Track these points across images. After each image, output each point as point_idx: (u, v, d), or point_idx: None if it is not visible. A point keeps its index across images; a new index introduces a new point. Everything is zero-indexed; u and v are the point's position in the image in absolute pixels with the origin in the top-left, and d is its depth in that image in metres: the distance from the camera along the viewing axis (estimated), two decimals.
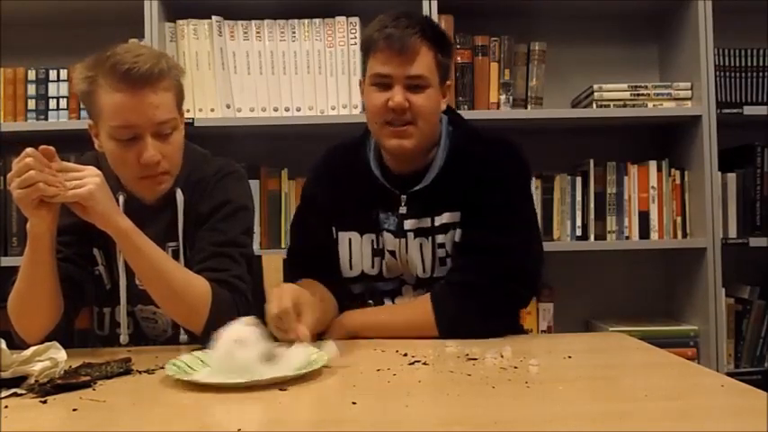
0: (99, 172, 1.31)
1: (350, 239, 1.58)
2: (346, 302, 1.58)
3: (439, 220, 1.52)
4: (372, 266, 1.58)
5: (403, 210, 1.53)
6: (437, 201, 1.52)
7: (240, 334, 1.10)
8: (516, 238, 1.48)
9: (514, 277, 1.46)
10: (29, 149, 1.25)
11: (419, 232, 1.53)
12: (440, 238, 1.52)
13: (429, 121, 1.49)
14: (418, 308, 1.47)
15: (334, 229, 1.60)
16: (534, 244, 1.53)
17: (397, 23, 1.45)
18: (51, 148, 1.26)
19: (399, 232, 1.54)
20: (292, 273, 1.64)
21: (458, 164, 1.52)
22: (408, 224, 1.53)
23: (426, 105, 1.47)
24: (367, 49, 1.51)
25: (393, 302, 1.58)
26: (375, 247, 1.57)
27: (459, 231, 1.51)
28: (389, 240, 1.55)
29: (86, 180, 1.28)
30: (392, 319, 1.49)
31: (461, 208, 1.51)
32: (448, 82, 1.54)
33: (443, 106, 1.55)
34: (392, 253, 1.56)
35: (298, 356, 1.14)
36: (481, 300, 1.42)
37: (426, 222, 1.53)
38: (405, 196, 1.53)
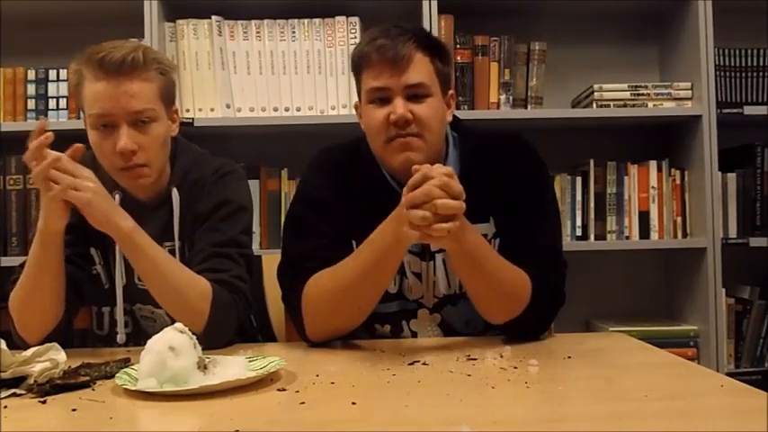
0: (93, 177, 1.31)
1: None
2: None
3: None
4: (393, 284, 1.45)
5: None
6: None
7: (174, 341, 1.06)
8: (559, 232, 1.49)
9: (564, 276, 1.45)
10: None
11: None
12: None
13: (435, 133, 1.39)
14: (520, 278, 1.35)
15: (354, 243, 1.42)
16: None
17: (387, 33, 1.37)
18: (80, 145, 1.29)
19: (426, 254, 1.44)
20: (300, 276, 1.39)
21: (476, 170, 1.43)
22: (435, 245, 1.42)
23: (430, 116, 1.37)
24: (359, 67, 1.41)
25: (408, 325, 1.49)
26: None
27: (496, 242, 1.43)
28: (414, 262, 1.44)
29: (84, 185, 1.28)
30: (502, 266, 1.34)
31: (494, 214, 1.44)
32: (451, 91, 1.46)
33: (449, 117, 1.46)
34: (417, 275, 1.46)
35: (233, 365, 1.10)
36: (559, 304, 1.42)
37: None
38: None
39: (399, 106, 1.35)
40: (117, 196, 1.47)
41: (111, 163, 1.42)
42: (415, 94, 1.37)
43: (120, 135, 1.38)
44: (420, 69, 1.37)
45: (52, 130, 1.88)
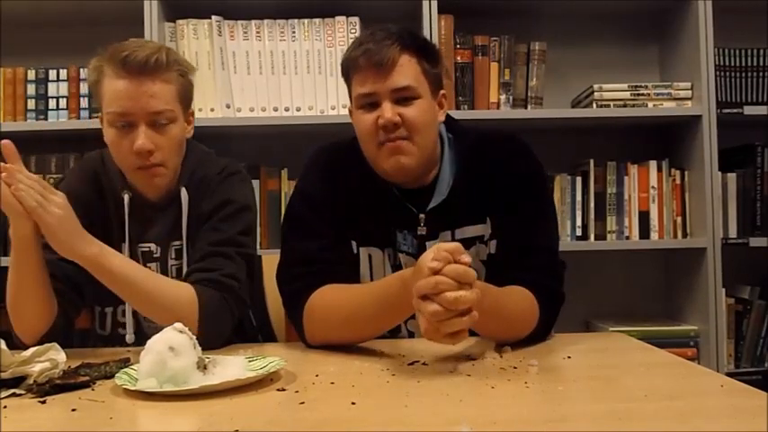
0: (63, 201, 1.29)
1: (370, 255, 1.44)
2: None
3: (460, 234, 1.42)
4: None
5: (422, 230, 1.41)
6: (457, 213, 1.42)
7: (174, 341, 1.06)
8: (556, 233, 1.48)
9: (562, 277, 1.44)
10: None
11: None
12: None
13: (426, 135, 1.38)
14: (527, 306, 1.32)
15: (354, 243, 1.44)
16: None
17: (372, 37, 1.36)
18: (10, 143, 1.27)
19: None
20: (300, 280, 1.38)
21: (472, 171, 1.42)
22: (430, 245, 1.36)
23: (420, 118, 1.36)
24: (347, 72, 1.41)
25: (405, 325, 1.46)
26: (393, 263, 1.44)
27: (493, 243, 1.41)
28: (410, 264, 1.40)
29: (50, 209, 1.26)
30: (507, 301, 1.29)
31: (491, 215, 1.42)
32: (442, 91, 1.44)
33: (441, 117, 1.45)
34: None
35: (233, 365, 1.10)
36: (559, 306, 1.40)
37: (447, 236, 1.42)
38: (423, 215, 1.41)
39: (387, 110, 1.34)
40: (126, 196, 1.47)
41: (128, 162, 1.42)
42: (403, 96, 1.36)
43: (139, 134, 1.38)
44: (406, 72, 1.35)
45: (52, 131, 1.88)
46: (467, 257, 1.10)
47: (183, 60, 1.49)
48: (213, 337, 1.36)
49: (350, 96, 1.44)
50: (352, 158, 1.45)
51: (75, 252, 1.30)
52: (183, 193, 1.49)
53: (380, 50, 1.34)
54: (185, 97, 1.47)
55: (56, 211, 1.26)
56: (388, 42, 1.35)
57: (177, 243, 1.50)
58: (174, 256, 1.49)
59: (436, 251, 1.11)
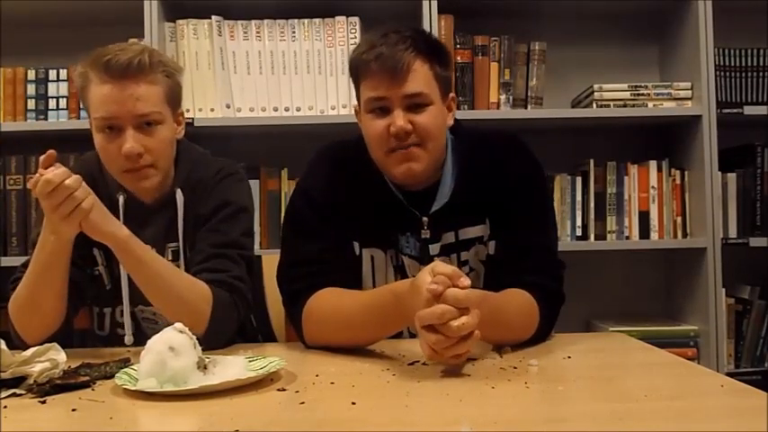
0: (85, 186, 1.27)
1: (372, 257, 1.44)
2: None
3: (462, 235, 1.43)
4: None
5: (426, 234, 1.41)
6: (459, 214, 1.41)
7: (174, 341, 1.06)
8: (555, 233, 1.49)
9: (562, 277, 1.43)
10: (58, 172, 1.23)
11: (443, 250, 1.43)
12: (463, 255, 1.43)
13: (437, 140, 1.37)
14: (527, 311, 1.32)
15: (357, 245, 1.43)
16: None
17: (385, 40, 1.33)
18: (53, 152, 1.27)
19: (425, 258, 1.40)
20: (301, 281, 1.38)
21: (472, 172, 1.42)
22: (433, 248, 1.42)
23: (431, 124, 1.34)
24: (357, 74, 1.39)
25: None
26: (395, 264, 1.44)
27: (492, 244, 1.42)
28: (413, 266, 1.42)
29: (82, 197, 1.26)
30: (507, 308, 1.29)
31: (490, 217, 1.42)
32: (451, 94, 1.43)
33: (450, 121, 1.43)
34: None
35: (233, 365, 1.10)
36: (559, 307, 1.40)
37: (450, 238, 1.43)
38: (426, 218, 1.41)
39: (399, 118, 1.32)
40: (120, 198, 1.47)
41: (117, 165, 1.42)
42: (415, 103, 1.34)
43: (126, 138, 1.38)
44: (419, 78, 1.33)
45: (52, 131, 1.87)
46: (466, 281, 1.10)
47: (169, 61, 1.48)
48: (219, 336, 1.36)
49: (357, 97, 1.43)
50: (356, 158, 1.44)
51: (108, 233, 1.31)
52: (179, 194, 1.49)
53: (394, 55, 1.31)
54: (173, 98, 1.46)
55: (90, 196, 1.27)
56: (402, 47, 1.32)
57: (173, 245, 1.49)
58: (170, 257, 1.49)
59: (434, 275, 1.11)
